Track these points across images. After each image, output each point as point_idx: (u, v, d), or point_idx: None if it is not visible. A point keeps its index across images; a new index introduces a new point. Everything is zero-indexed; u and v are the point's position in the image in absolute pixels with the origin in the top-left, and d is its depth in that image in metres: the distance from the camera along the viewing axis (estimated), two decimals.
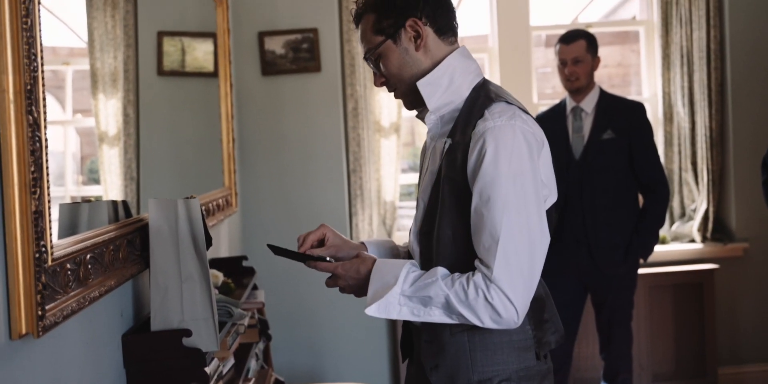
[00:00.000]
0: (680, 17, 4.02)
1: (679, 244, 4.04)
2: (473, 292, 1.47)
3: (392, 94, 1.74)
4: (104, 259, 1.48)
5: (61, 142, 2.33)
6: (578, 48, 3.23)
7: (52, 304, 1.19)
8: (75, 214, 1.68)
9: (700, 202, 4.04)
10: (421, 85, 1.64)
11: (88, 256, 1.39)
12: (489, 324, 1.49)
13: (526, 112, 1.60)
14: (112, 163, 2.15)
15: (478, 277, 1.48)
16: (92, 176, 2.34)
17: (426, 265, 1.63)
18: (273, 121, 3.87)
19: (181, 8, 2.87)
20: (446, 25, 1.69)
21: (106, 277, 1.47)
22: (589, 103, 3.29)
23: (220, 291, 2.32)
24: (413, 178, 4.95)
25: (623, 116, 3.23)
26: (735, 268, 4.02)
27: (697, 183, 4.03)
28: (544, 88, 5.24)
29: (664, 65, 4.07)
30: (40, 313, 1.12)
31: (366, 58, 1.69)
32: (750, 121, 4.00)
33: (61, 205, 1.67)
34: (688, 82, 4.02)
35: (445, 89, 1.64)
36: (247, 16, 3.78)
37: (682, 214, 4.13)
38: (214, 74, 3.26)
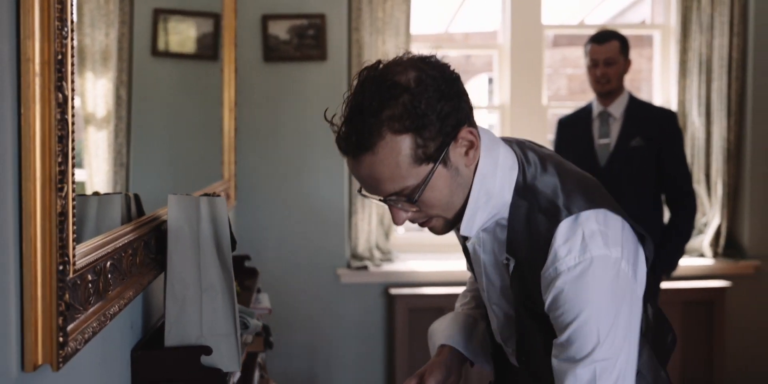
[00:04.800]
0: (700, 23, 3.87)
1: (689, 258, 3.89)
2: None
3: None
4: (122, 265, 1.26)
5: None
6: (611, 49, 3.06)
7: (71, 326, 0.97)
8: (82, 208, 1.45)
9: (712, 216, 3.89)
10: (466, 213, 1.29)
11: (108, 264, 1.17)
12: None
13: (591, 192, 1.30)
14: (99, 146, 1.94)
15: None
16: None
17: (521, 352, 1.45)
18: (272, 110, 3.65)
19: None
20: (474, 119, 1.29)
21: (125, 287, 1.25)
22: (617, 107, 3.11)
23: None
24: None
25: (654, 123, 3.06)
26: (746, 286, 3.87)
27: (709, 196, 3.89)
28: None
29: (681, 72, 3.92)
30: (61, 339, 0.90)
31: (395, 200, 1.24)
32: None
33: None
34: (706, 90, 3.87)
35: (483, 206, 1.29)
36: None
37: None
38: (213, 57, 3.04)
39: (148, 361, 1.45)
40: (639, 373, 1.39)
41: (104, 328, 1.15)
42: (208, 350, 1.47)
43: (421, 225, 1.32)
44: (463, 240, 1.45)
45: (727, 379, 3.78)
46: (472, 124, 1.27)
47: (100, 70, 1.90)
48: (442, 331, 1.65)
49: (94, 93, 1.94)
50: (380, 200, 1.26)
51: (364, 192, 1.27)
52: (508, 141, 1.38)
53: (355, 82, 1.24)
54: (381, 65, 1.23)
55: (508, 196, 1.30)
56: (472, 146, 1.25)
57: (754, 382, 3.91)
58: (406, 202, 1.24)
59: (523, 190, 1.30)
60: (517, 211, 1.30)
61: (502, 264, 1.36)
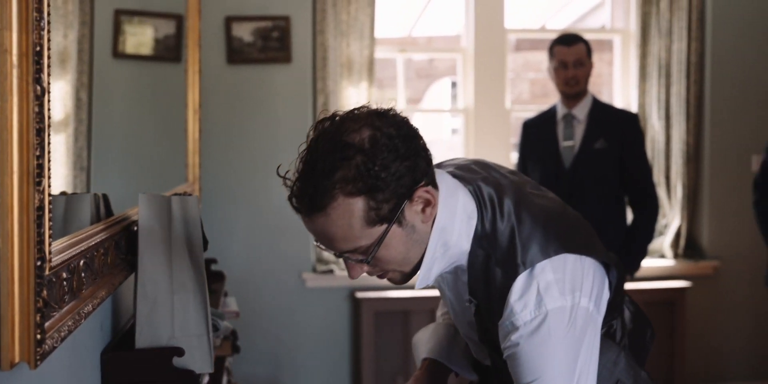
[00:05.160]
0: (659, 28, 3.95)
1: (650, 259, 3.95)
2: None
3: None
4: (94, 265, 1.23)
5: None
6: (580, 51, 3.10)
7: (48, 324, 0.94)
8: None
9: (672, 218, 3.97)
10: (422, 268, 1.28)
11: (82, 263, 1.14)
12: None
13: (550, 232, 1.28)
14: (57, 150, 1.90)
15: None
16: None
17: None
18: (237, 113, 3.63)
19: None
20: (433, 172, 1.26)
21: (97, 287, 1.22)
22: (581, 110, 3.16)
23: None
24: None
25: (617, 125, 3.12)
26: (706, 286, 3.96)
27: (669, 198, 3.96)
28: None
29: (641, 76, 3.99)
30: (39, 336, 0.88)
31: (349, 257, 1.23)
32: (727, 137, 3.96)
33: None
34: (665, 94, 3.95)
35: (441, 257, 1.28)
36: None
37: None
38: (176, 59, 3.01)
39: (119, 363, 1.42)
40: (618, 382, 1.41)
41: (76, 329, 1.12)
42: (180, 351, 1.45)
43: (379, 277, 1.30)
44: None
45: (687, 378, 3.85)
46: (431, 179, 1.24)
47: (58, 73, 1.86)
48: (425, 344, 1.64)
49: (52, 95, 1.90)
50: (335, 255, 1.25)
51: (320, 245, 1.25)
52: (465, 179, 1.34)
53: (310, 134, 1.21)
54: (337, 118, 1.20)
55: (466, 245, 1.29)
56: (429, 204, 1.22)
57: (713, 380, 3.99)
58: (361, 261, 1.23)
59: (481, 238, 1.29)
60: (475, 260, 1.30)
61: (465, 303, 1.37)
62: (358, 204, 1.16)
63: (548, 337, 1.23)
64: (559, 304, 1.23)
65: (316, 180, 1.15)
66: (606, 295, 1.32)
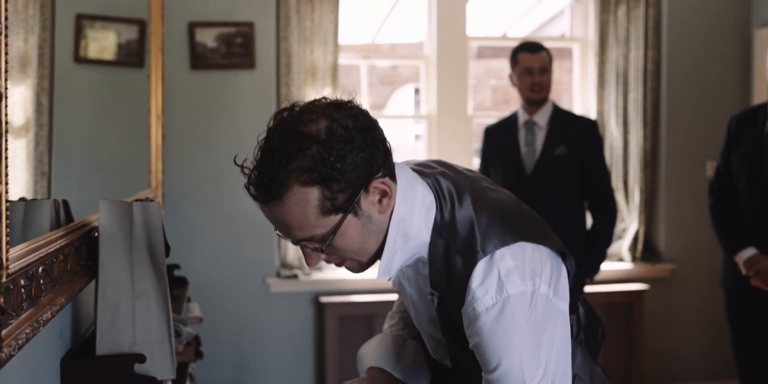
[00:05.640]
0: (617, 36, 4.03)
1: (609, 263, 4.02)
2: None
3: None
4: (54, 271, 1.23)
5: None
6: (544, 58, 3.15)
7: (5, 332, 0.95)
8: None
9: (630, 222, 4.05)
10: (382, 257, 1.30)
11: (40, 269, 1.14)
12: None
13: (507, 223, 1.31)
14: (17, 156, 1.90)
15: None
16: None
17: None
18: (200, 118, 3.62)
19: None
20: (392, 164, 1.28)
21: (56, 294, 1.22)
22: (542, 116, 3.21)
23: None
24: None
25: (577, 132, 3.17)
26: (663, 289, 4.04)
27: (627, 202, 4.04)
28: None
29: (599, 84, 4.07)
30: None
31: (306, 245, 1.25)
32: (683, 143, 4.06)
33: None
34: (623, 101, 4.03)
35: (402, 247, 1.30)
36: (177, 3, 3.51)
37: None
38: (139, 64, 3.00)
39: (80, 370, 1.42)
40: (576, 377, 1.44)
41: (35, 336, 1.13)
42: (141, 358, 1.45)
43: (337, 265, 1.33)
44: None
45: (644, 378, 3.92)
46: (388, 170, 1.26)
47: (18, 77, 1.85)
48: (371, 355, 1.65)
49: (11, 101, 1.89)
50: (293, 242, 1.26)
51: (278, 233, 1.27)
52: (423, 173, 1.37)
53: (270, 124, 1.23)
54: (296, 108, 1.22)
55: (426, 236, 1.31)
56: (386, 195, 1.24)
57: (669, 380, 4.07)
58: (316, 249, 1.25)
59: (441, 228, 1.31)
60: (435, 251, 1.32)
61: (427, 297, 1.38)
62: (314, 193, 1.18)
63: (511, 321, 1.25)
64: (520, 290, 1.26)
65: (272, 169, 1.17)
66: (564, 282, 1.35)
